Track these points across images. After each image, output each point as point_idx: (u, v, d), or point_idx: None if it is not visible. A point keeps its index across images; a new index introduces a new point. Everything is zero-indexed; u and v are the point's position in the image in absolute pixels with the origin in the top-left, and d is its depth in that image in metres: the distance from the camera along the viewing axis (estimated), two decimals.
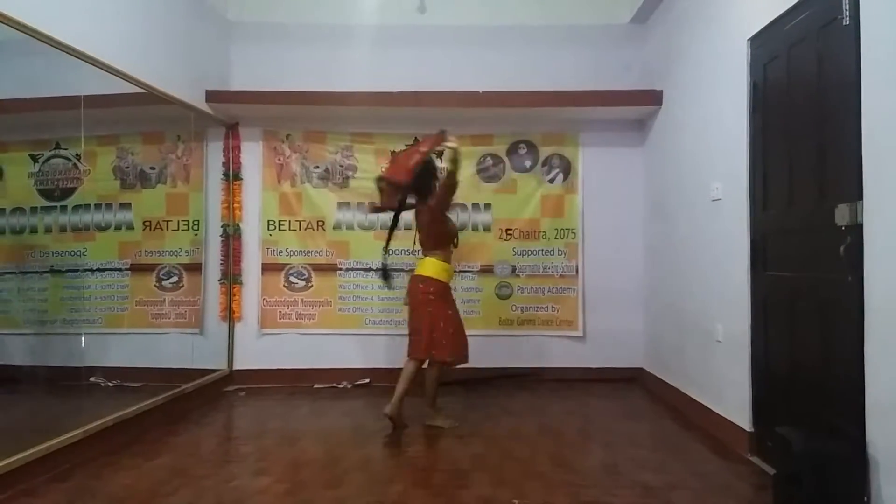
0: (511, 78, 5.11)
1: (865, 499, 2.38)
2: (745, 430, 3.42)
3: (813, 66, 2.84)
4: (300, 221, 5.34)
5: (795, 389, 2.99)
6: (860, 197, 2.45)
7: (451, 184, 3.90)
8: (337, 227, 5.36)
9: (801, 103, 2.95)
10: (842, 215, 2.53)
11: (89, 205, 4.71)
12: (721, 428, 3.69)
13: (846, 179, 2.54)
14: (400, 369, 3.97)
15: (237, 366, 5.27)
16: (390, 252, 4.22)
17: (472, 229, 5.38)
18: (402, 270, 4.98)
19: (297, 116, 5.23)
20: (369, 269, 5.33)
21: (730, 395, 3.63)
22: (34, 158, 4.53)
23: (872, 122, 2.40)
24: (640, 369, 5.31)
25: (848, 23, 2.54)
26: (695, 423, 4.00)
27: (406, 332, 4.11)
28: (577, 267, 5.36)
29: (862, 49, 2.46)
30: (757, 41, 3.33)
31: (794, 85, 3.02)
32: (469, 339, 4.08)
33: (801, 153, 2.94)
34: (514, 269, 5.35)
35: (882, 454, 2.33)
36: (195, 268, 5.11)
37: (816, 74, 2.82)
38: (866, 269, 2.42)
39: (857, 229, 2.47)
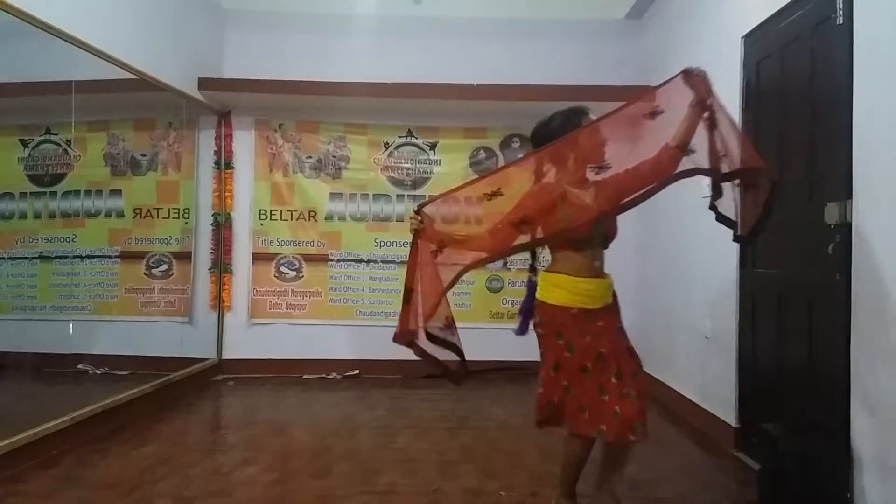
0: (506, 71, 5.08)
1: (848, 495, 2.41)
2: (730, 425, 3.44)
3: (806, 65, 2.85)
4: (292, 211, 5.31)
5: (781, 386, 3.01)
6: (850, 196, 2.46)
7: None
8: (329, 217, 5.33)
9: (793, 101, 2.96)
10: (831, 214, 2.54)
11: (79, 191, 4.69)
12: (707, 424, 3.71)
13: (836, 178, 2.55)
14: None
15: (226, 355, 5.25)
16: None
17: (465, 222, 5.35)
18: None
19: (291, 106, 5.19)
20: (360, 261, 5.32)
21: (716, 392, 3.65)
22: (24, 143, 4.50)
23: (863, 121, 2.41)
24: None
25: (841, 22, 2.55)
26: (682, 419, 4.02)
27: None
28: None
29: (855, 48, 2.46)
30: (751, 39, 3.34)
31: (786, 83, 3.03)
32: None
33: (792, 151, 2.95)
34: (505, 262, 5.34)
35: (866, 451, 2.36)
36: (185, 256, 5.08)
37: (809, 73, 2.82)
38: (854, 268, 2.44)
39: (846, 228, 2.48)
